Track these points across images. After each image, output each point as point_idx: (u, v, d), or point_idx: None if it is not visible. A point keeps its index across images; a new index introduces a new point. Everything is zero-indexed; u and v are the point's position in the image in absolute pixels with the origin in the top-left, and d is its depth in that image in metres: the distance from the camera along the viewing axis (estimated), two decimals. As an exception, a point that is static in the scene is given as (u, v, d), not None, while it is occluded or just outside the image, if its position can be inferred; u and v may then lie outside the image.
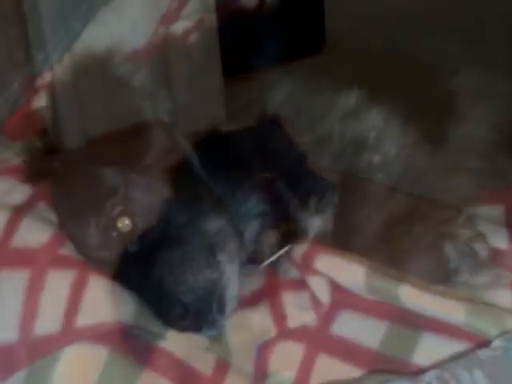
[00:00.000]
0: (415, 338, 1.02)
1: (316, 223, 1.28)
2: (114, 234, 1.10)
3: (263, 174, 1.24)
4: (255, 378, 1.06)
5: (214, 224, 1.14)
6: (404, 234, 1.19)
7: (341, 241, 1.19)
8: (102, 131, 1.18)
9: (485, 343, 0.90)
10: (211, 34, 1.54)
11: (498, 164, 1.37)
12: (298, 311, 1.10)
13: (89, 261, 1.14)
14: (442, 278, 1.19)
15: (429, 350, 1.00)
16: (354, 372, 1.01)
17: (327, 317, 1.09)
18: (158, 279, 1.07)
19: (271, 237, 1.27)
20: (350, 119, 1.21)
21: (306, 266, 1.11)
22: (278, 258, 1.27)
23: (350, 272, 1.07)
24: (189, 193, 1.15)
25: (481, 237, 1.31)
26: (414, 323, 1.04)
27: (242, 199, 1.22)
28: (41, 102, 1.39)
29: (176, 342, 1.05)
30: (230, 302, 1.11)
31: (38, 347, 1.01)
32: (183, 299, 1.06)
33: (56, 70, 1.56)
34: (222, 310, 1.09)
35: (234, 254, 1.15)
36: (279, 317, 1.09)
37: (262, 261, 1.28)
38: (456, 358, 0.87)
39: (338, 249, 1.14)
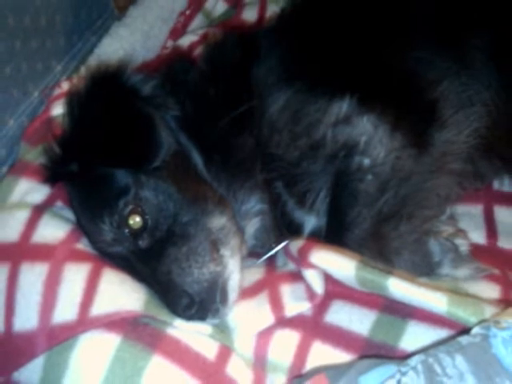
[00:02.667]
0: (402, 326, 1.03)
1: (311, 221, 1.28)
2: (126, 230, 1.11)
3: (263, 175, 1.23)
4: (255, 362, 1.06)
5: (218, 222, 1.15)
6: (392, 231, 1.19)
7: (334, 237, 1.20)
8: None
9: (465, 331, 0.90)
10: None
11: (478, 166, 1.37)
12: (295, 301, 1.10)
13: (103, 255, 1.14)
14: (426, 270, 1.19)
15: (414, 336, 1.01)
16: (346, 357, 1.02)
17: (321, 307, 1.10)
18: (166, 272, 1.08)
19: (270, 233, 1.28)
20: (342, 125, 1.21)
21: (302, 259, 1.11)
22: (276, 253, 1.28)
23: (343, 265, 1.07)
24: (194, 193, 1.15)
25: (462, 233, 1.31)
26: (400, 312, 1.05)
27: (242, 199, 1.23)
28: (59, 109, 1.39)
29: (183, 330, 1.05)
30: (232, 293, 1.11)
31: (56, 334, 1.02)
32: (189, 290, 1.07)
33: (73, 80, 1.56)
34: (224, 300, 1.10)
35: (235, 249, 1.15)
36: (277, 307, 1.09)
37: (262, 255, 1.29)
38: (439, 344, 0.87)
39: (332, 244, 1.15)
